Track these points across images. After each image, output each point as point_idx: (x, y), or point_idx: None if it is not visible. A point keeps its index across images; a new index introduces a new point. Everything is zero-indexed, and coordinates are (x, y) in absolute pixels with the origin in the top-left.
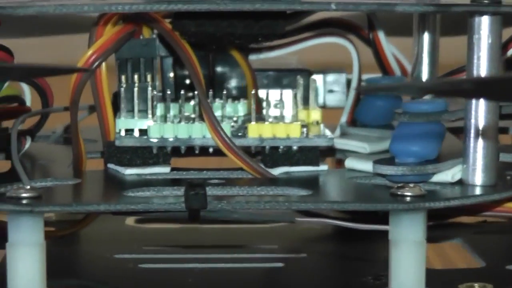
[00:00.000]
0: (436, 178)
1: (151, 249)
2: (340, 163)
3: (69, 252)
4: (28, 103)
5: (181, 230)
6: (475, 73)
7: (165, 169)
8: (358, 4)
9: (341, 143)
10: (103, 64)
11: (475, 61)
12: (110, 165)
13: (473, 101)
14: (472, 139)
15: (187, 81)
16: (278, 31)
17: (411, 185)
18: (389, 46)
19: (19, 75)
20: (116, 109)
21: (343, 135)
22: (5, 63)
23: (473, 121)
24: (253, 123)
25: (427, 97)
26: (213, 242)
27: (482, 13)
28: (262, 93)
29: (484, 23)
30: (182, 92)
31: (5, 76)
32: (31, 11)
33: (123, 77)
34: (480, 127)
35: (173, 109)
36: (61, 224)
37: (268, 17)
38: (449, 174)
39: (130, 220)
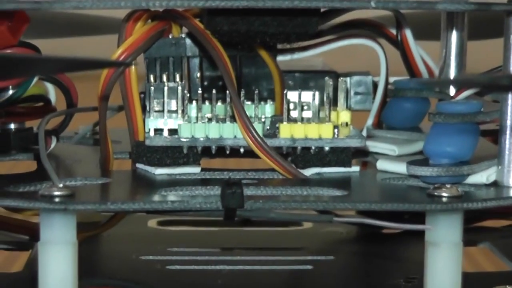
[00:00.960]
0: (471, 179)
1: (177, 251)
2: (366, 165)
3: (95, 253)
4: (53, 102)
5: (204, 233)
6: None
7: (196, 169)
8: (399, 2)
9: (369, 146)
10: (133, 63)
11: (511, 61)
12: (139, 165)
13: (509, 102)
14: (507, 140)
15: (217, 83)
16: (311, 30)
17: (448, 185)
18: (417, 48)
19: (49, 68)
20: (144, 109)
21: (370, 137)
22: (35, 55)
23: (508, 122)
24: (285, 123)
25: (460, 97)
26: (239, 245)
27: None
28: (290, 94)
29: None
30: (214, 91)
31: (35, 69)
32: (67, 6)
33: (151, 76)
34: None
35: (204, 109)
36: (81, 226)
37: (301, 16)
38: (484, 175)
39: (152, 223)
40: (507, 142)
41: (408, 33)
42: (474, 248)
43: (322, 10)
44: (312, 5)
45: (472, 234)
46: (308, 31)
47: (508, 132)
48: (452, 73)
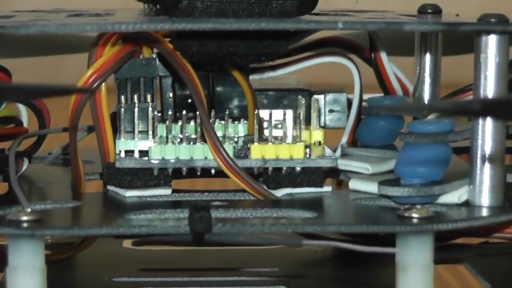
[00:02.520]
0: (442, 199)
1: (150, 272)
2: (341, 183)
3: (67, 276)
4: (25, 123)
5: (180, 252)
6: (482, 92)
7: (166, 191)
8: (366, 23)
9: (342, 164)
10: (103, 85)
11: (482, 80)
12: (110, 187)
13: (480, 121)
14: (478, 160)
15: (188, 101)
16: (281, 50)
17: (418, 206)
18: (391, 65)
19: (18, 96)
20: (115, 130)
21: (344, 155)
22: (3, 83)
23: (480, 141)
24: (255, 143)
25: (431, 117)
26: (213, 265)
27: (489, 32)
28: (263, 113)
29: (492, 42)
30: (184, 112)
31: (3, 97)
32: (33, 30)
33: (122, 97)
34: (487, 147)
35: (174, 129)
36: (57, 247)
37: (271, 37)
38: (455, 195)
39: (127, 243)
40: (478, 162)
41: (381, 51)
42: (449, 266)
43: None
44: (279, 27)
45: (447, 252)
46: (278, 51)
47: (479, 151)
48: (426, 90)
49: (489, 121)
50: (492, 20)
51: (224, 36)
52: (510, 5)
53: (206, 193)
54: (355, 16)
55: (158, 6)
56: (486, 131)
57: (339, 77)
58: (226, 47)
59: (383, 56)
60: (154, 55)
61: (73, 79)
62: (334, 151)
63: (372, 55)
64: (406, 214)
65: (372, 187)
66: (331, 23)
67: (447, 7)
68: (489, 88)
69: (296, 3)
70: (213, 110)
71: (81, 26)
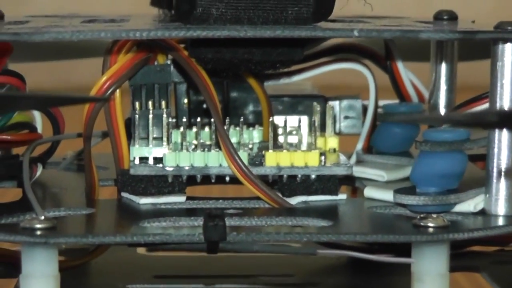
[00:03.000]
0: (458, 208)
1: (163, 279)
2: (356, 190)
3: (81, 283)
4: (39, 129)
5: (194, 259)
6: (498, 101)
7: (181, 198)
8: (382, 31)
9: (357, 171)
10: (117, 91)
11: (499, 89)
12: (124, 194)
13: (496, 130)
14: (495, 169)
15: (203, 107)
16: (296, 57)
17: (434, 215)
18: (406, 72)
19: (33, 105)
20: (129, 135)
21: (359, 162)
22: (19, 93)
23: (496, 150)
24: (270, 151)
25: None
26: (228, 272)
27: (506, 40)
28: (277, 119)
29: (508, 50)
30: (199, 119)
31: (18, 105)
32: (47, 37)
33: (137, 104)
34: (503, 157)
35: (189, 136)
36: (71, 253)
37: (286, 44)
38: (471, 204)
39: (141, 249)
40: (495, 170)
41: (397, 57)
42: (464, 274)
43: None
44: (295, 35)
45: (462, 260)
46: (294, 58)
47: (495, 160)
48: (442, 97)
49: (505, 130)
50: (509, 28)
51: (239, 43)
52: None
53: (221, 201)
54: (371, 22)
55: (172, 12)
56: (503, 140)
57: (353, 80)
58: (241, 54)
59: (399, 63)
60: (168, 61)
61: (86, 80)
62: (349, 157)
63: (388, 62)
64: (421, 223)
65: (387, 195)
66: (346, 31)
67: (462, 11)
68: (506, 96)
69: (311, 10)
70: (227, 117)
71: (96, 33)
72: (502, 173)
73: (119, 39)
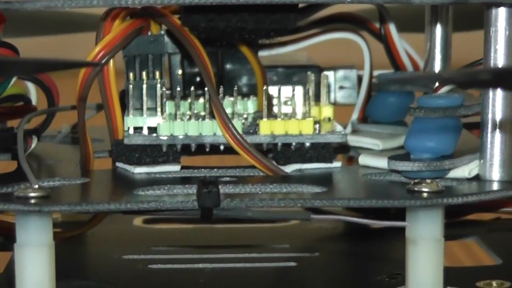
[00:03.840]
0: (453, 174)
1: (160, 250)
2: (351, 160)
3: (77, 254)
4: (34, 102)
5: (190, 230)
6: (492, 66)
7: (175, 168)
8: None
9: (353, 140)
10: (111, 61)
11: (492, 54)
12: (119, 164)
13: (490, 95)
14: (489, 134)
15: (197, 79)
16: (290, 25)
17: (428, 181)
18: (401, 41)
19: (26, 69)
20: (124, 107)
21: (355, 132)
22: (11, 58)
23: (490, 115)
24: (264, 119)
25: (442, 91)
26: (224, 242)
27: (499, 5)
28: (272, 89)
29: (501, 15)
30: (192, 89)
31: (11, 70)
32: (39, 6)
33: (131, 74)
34: (498, 121)
35: (183, 106)
36: (67, 225)
37: (279, 11)
38: (466, 169)
39: (138, 221)
40: (489, 136)
41: (391, 27)
42: (460, 242)
43: (300, 5)
44: (287, 0)
45: (458, 229)
46: (287, 26)
47: (489, 125)
48: (437, 66)
49: (499, 93)
50: None
51: (232, 11)
52: None
53: (215, 169)
54: None
55: None
56: (497, 105)
57: (349, 56)
58: (234, 22)
59: (393, 31)
60: (162, 32)
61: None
62: (345, 127)
63: (382, 30)
64: (416, 189)
65: (382, 163)
66: None
67: None
68: (499, 61)
69: None
70: (221, 87)
71: (88, 1)
72: (496, 138)
73: (112, 8)
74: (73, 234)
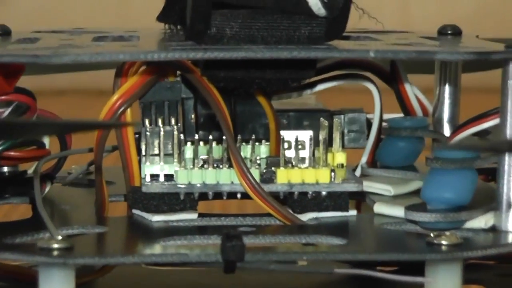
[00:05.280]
0: (469, 224)
1: None
2: (363, 206)
3: None
4: (47, 145)
5: (202, 272)
6: (508, 118)
7: (193, 215)
8: (397, 52)
9: (364, 185)
10: (128, 110)
11: (509, 108)
12: (136, 211)
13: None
14: (505, 185)
15: (211, 120)
16: (308, 75)
17: (447, 233)
18: (411, 87)
19: (44, 132)
20: (139, 151)
21: (364, 176)
22: (33, 120)
23: (506, 167)
24: (282, 168)
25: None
26: (234, 285)
27: None
28: (283, 133)
29: None
30: (211, 137)
31: (29, 133)
32: (66, 60)
33: (147, 121)
34: None
35: (200, 150)
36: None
37: (299, 63)
38: (482, 220)
39: None
40: (505, 187)
41: (402, 72)
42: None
43: None
44: (311, 55)
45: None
46: (305, 76)
47: (505, 177)
48: (446, 111)
49: None
50: None
51: (252, 62)
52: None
53: (232, 217)
54: (379, 38)
55: (179, 27)
56: None
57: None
58: (253, 72)
59: (404, 77)
60: (178, 78)
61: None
62: (353, 170)
63: (393, 76)
64: (435, 241)
65: (397, 211)
66: (362, 52)
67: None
68: None
69: (324, 29)
70: (239, 136)
71: (114, 55)
72: None
73: None
74: (88, 280)
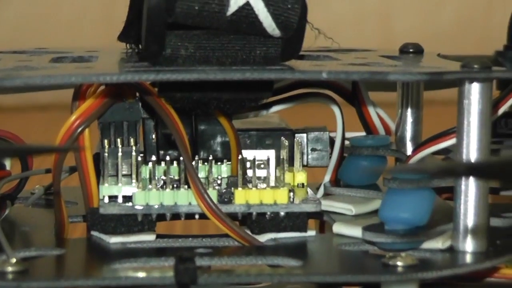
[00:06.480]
0: (427, 244)
1: None
2: (323, 225)
3: None
4: (8, 166)
5: None
6: (465, 138)
7: (151, 237)
8: (350, 73)
9: (325, 205)
10: (86, 130)
11: (465, 127)
12: (94, 233)
13: None
14: (462, 205)
15: (171, 139)
16: (265, 96)
17: (403, 254)
18: (374, 105)
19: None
20: (97, 171)
21: (327, 195)
22: None
23: (463, 187)
24: (239, 188)
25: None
26: None
27: (472, 80)
28: (245, 153)
29: (475, 89)
30: (168, 158)
31: None
32: (18, 83)
33: (105, 141)
34: (471, 192)
35: (158, 172)
36: None
37: (256, 83)
38: (439, 241)
39: None
40: (462, 207)
41: (363, 90)
42: None
43: None
44: (264, 76)
45: None
46: (263, 97)
47: (462, 197)
48: (408, 129)
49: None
50: (475, 66)
51: (208, 83)
52: (484, 20)
53: (190, 239)
54: (338, 59)
55: (140, 49)
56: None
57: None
58: (209, 93)
59: (366, 96)
60: (137, 99)
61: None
62: (317, 189)
63: (354, 94)
64: (390, 263)
65: (356, 232)
66: (315, 73)
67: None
68: (472, 134)
69: (280, 49)
70: (196, 156)
71: (66, 78)
72: (469, 210)
73: None
74: None
